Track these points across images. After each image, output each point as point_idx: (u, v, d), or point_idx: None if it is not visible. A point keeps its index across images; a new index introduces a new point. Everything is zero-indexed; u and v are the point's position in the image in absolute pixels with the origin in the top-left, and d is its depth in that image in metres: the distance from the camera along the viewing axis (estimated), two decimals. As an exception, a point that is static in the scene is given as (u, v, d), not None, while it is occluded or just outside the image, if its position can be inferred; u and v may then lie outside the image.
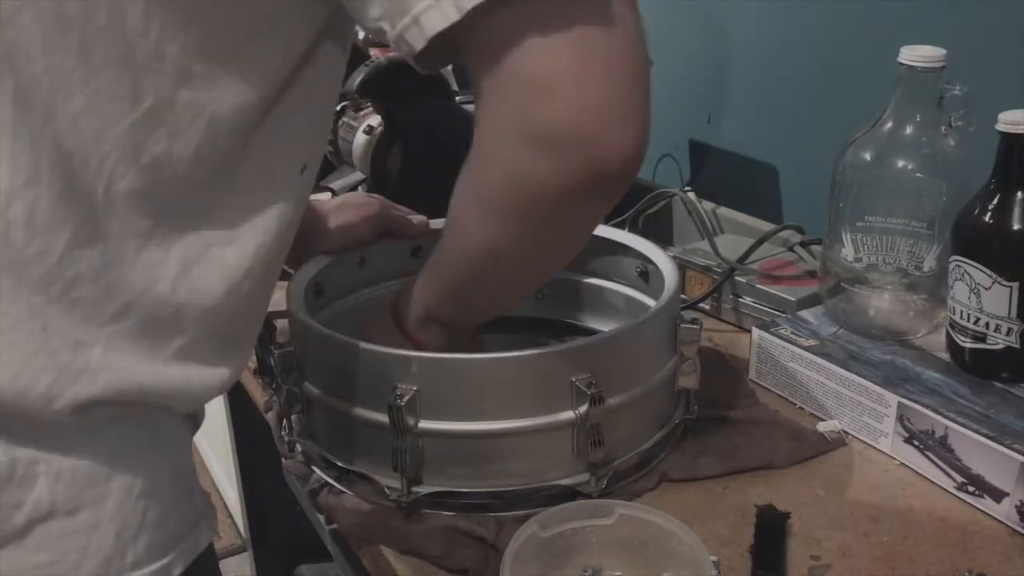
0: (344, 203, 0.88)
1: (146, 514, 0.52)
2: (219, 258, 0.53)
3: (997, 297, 0.74)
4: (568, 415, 0.66)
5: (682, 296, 1.03)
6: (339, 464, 0.72)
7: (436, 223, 0.91)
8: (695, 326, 0.74)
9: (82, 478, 0.50)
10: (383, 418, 0.66)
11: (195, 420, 0.62)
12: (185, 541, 0.56)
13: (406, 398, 0.65)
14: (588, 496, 0.68)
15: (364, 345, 0.67)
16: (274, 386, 0.76)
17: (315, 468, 0.74)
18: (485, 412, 0.66)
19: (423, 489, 0.68)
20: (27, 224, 0.47)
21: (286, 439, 0.76)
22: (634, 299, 0.89)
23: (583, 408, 0.65)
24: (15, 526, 0.49)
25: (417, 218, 0.89)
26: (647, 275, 0.86)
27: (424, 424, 0.66)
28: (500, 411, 0.66)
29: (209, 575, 0.61)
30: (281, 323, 0.78)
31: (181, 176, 0.49)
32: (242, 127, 0.50)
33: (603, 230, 0.89)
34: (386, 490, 0.68)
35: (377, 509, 0.69)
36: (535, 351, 0.67)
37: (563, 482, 0.68)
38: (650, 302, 0.82)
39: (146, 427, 0.54)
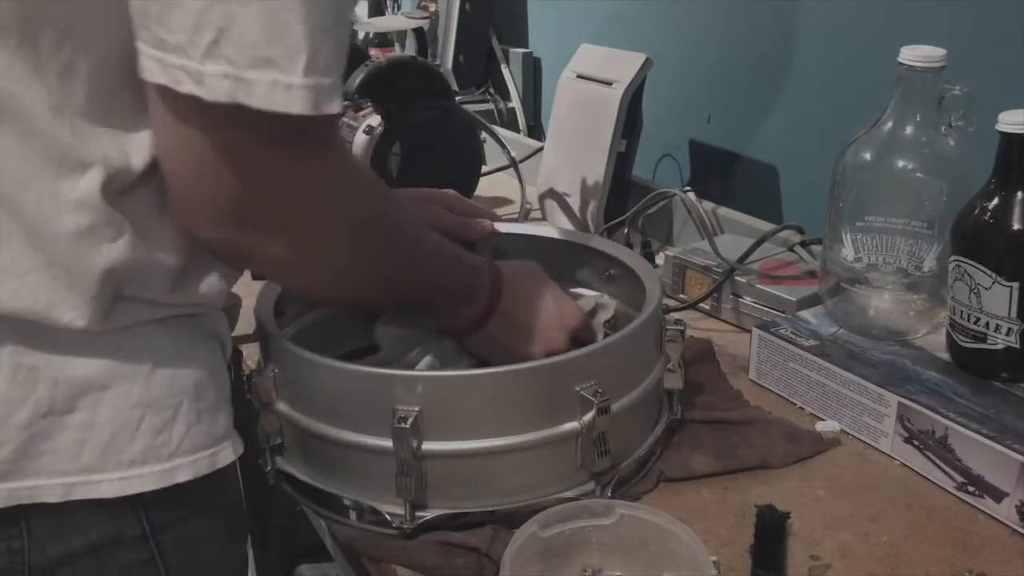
0: (405, 199, 0.82)
1: (142, 421, 0.56)
2: None
3: (997, 297, 0.74)
4: (572, 426, 0.65)
5: (682, 296, 1.03)
6: (332, 492, 0.69)
7: (504, 227, 0.86)
8: (678, 327, 0.75)
9: (78, 385, 0.54)
10: (381, 443, 0.64)
11: (221, 341, 0.63)
12: (196, 454, 0.58)
13: (410, 420, 0.62)
14: None
15: (360, 368, 0.66)
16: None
17: (305, 505, 0.71)
18: (489, 429, 0.65)
19: (428, 513, 0.66)
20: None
21: (268, 468, 0.73)
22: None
23: (588, 417, 0.64)
24: (20, 419, 0.53)
25: (481, 222, 0.84)
26: (614, 279, 0.86)
27: (427, 446, 0.64)
28: (504, 427, 0.65)
29: (223, 493, 0.62)
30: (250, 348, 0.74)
31: None
32: None
33: (570, 235, 0.90)
34: (387, 517, 0.66)
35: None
36: (537, 363, 0.66)
37: (567, 494, 0.67)
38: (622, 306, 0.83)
39: (161, 337, 0.57)
